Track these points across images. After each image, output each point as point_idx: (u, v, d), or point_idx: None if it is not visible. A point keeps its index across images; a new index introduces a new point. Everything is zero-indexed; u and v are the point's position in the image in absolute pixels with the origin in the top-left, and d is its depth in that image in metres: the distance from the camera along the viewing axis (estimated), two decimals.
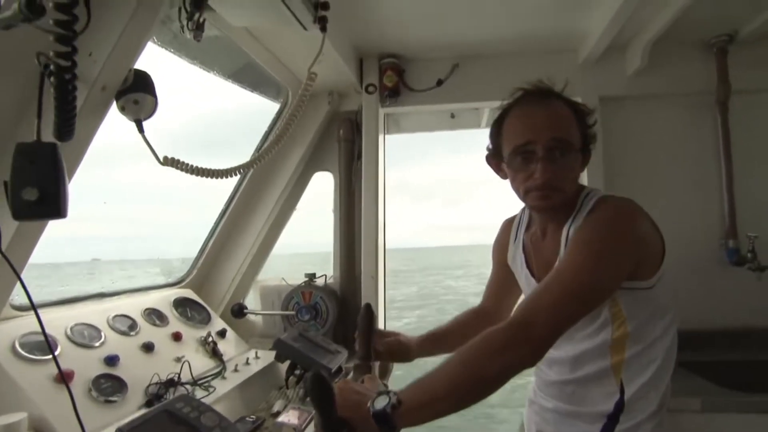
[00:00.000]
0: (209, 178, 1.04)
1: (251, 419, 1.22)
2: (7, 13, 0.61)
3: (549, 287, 0.87)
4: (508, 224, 1.29)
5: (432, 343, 1.26)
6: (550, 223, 1.10)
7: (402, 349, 1.21)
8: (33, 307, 0.73)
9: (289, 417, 1.21)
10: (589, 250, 0.90)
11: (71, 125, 0.75)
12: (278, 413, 1.28)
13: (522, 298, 1.26)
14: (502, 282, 1.31)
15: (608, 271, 0.90)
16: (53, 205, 0.74)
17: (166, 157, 0.97)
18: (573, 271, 0.88)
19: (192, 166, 1.00)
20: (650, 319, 1.00)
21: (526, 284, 1.18)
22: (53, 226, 0.97)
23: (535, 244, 1.16)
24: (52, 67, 0.72)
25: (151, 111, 0.99)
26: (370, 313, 1.18)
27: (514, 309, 0.90)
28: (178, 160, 0.98)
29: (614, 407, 1.00)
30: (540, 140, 0.96)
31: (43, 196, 0.73)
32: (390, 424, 0.78)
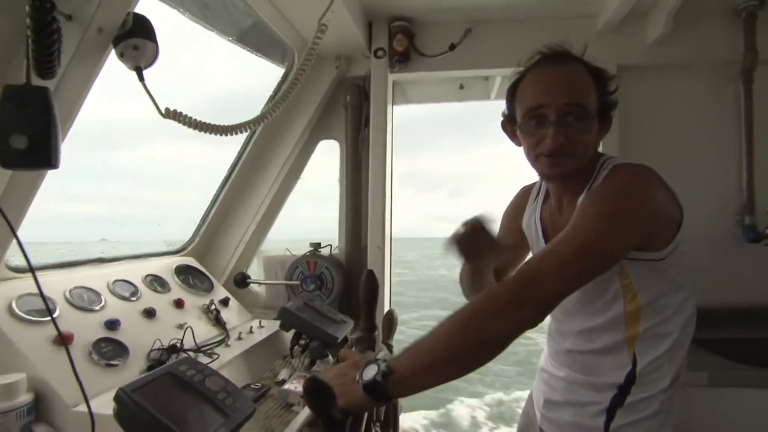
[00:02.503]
0: (211, 134, 0.99)
1: (256, 386, 1.19)
2: None
3: (557, 247, 0.83)
4: (527, 191, 1.24)
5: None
6: (566, 194, 1.06)
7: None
8: (30, 267, 0.69)
9: (295, 385, 1.18)
10: (599, 213, 0.86)
11: (50, 59, 0.68)
12: (283, 381, 1.26)
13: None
14: (513, 244, 1.25)
15: (617, 235, 0.85)
16: (44, 154, 0.69)
17: (167, 109, 0.92)
18: (582, 232, 0.84)
19: (194, 119, 0.95)
20: (665, 292, 0.96)
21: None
22: (62, 203, 0.92)
23: (552, 216, 1.12)
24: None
25: (152, 58, 0.93)
26: (372, 280, 1.11)
27: (519, 266, 0.85)
28: (180, 113, 0.92)
29: (625, 379, 0.97)
30: (553, 103, 0.92)
31: (32, 143, 0.67)
32: (383, 394, 0.73)
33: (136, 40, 0.90)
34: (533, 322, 0.77)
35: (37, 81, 0.74)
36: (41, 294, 0.79)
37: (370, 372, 0.74)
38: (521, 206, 1.23)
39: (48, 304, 0.85)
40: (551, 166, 0.96)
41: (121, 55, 0.92)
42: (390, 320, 1.26)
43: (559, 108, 0.92)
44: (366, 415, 0.82)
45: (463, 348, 0.74)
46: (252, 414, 0.85)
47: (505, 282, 0.79)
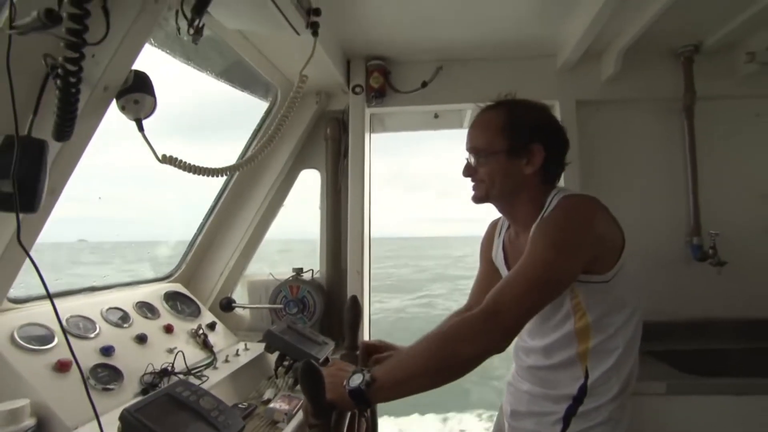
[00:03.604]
0: (205, 176, 1.09)
1: (243, 405, 1.27)
2: (26, 19, 0.65)
3: (513, 280, 0.96)
4: (494, 224, 1.38)
5: None
6: (519, 224, 1.20)
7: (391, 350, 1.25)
8: (49, 296, 0.78)
9: (280, 404, 1.27)
10: (547, 243, 0.98)
11: (71, 126, 0.79)
12: (269, 400, 1.34)
13: None
14: (487, 281, 1.38)
15: (566, 262, 0.97)
16: (27, 198, 0.78)
17: (164, 155, 1.02)
18: (533, 265, 0.96)
19: (189, 164, 1.05)
20: (610, 310, 1.08)
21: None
22: None
23: (512, 243, 1.25)
24: (59, 70, 0.76)
25: (151, 110, 1.03)
26: (356, 306, 1.23)
27: (486, 297, 0.96)
28: (176, 158, 1.02)
29: (578, 390, 1.09)
30: (466, 149, 1.17)
31: (19, 189, 0.76)
32: (365, 400, 0.86)
33: (137, 95, 1.01)
34: (498, 348, 0.90)
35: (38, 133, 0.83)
36: (59, 321, 0.87)
37: (356, 380, 0.87)
38: (490, 240, 1.37)
39: (64, 330, 0.93)
40: (472, 191, 1.17)
41: (122, 108, 1.02)
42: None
43: (468, 150, 1.17)
44: (349, 415, 0.92)
45: (435, 367, 0.87)
46: (242, 429, 0.95)
47: (474, 313, 0.92)
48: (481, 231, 1.44)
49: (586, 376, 1.08)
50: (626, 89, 2.00)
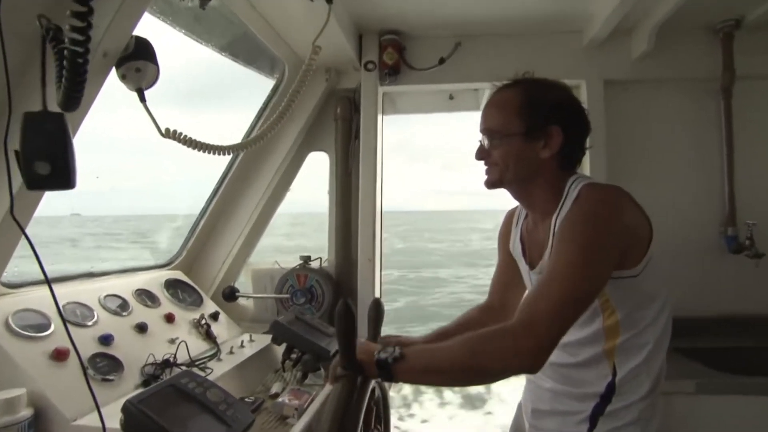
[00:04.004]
0: (208, 153, 1.06)
1: (250, 400, 1.25)
2: None
3: (546, 292, 0.93)
4: (511, 215, 1.35)
5: (438, 341, 1.29)
6: (537, 213, 1.17)
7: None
8: (47, 280, 0.76)
9: (290, 398, 1.25)
10: (576, 249, 0.95)
11: (79, 97, 0.76)
12: (276, 395, 1.32)
13: (526, 292, 1.30)
14: (507, 274, 1.36)
15: (598, 268, 0.95)
16: (64, 178, 0.76)
17: (167, 129, 0.99)
18: (565, 275, 0.93)
19: (193, 139, 1.02)
20: (639, 306, 1.06)
21: (525, 273, 1.24)
22: None
23: (529, 233, 1.23)
24: (65, 39, 0.73)
25: (153, 80, 1.00)
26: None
27: (518, 309, 0.95)
28: (180, 133, 0.99)
29: (606, 388, 1.06)
30: (480, 130, 1.15)
31: (54, 168, 0.75)
32: (388, 373, 0.92)
33: (139, 63, 0.97)
34: (529, 369, 0.89)
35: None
36: (57, 306, 0.85)
37: (387, 352, 0.93)
38: (507, 231, 1.34)
39: (63, 318, 0.91)
40: (485, 175, 1.15)
41: (123, 77, 0.99)
42: (377, 311, 1.21)
43: (481, 132, 1.14)
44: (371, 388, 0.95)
45: (461, 371, 0.91)
46: (252, 423, 0.93)
47: (506, 328, 0.91)
48: (502, 204, 1.42)
49: (614, 374, 1.06)
50: (659, 68, 1.94)
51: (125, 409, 0.79)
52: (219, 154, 1.07)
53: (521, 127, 1.08)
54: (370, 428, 1.05)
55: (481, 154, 1.14)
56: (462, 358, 0.90)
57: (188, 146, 1.00)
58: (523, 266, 1.25)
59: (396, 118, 2.54)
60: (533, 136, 1.08)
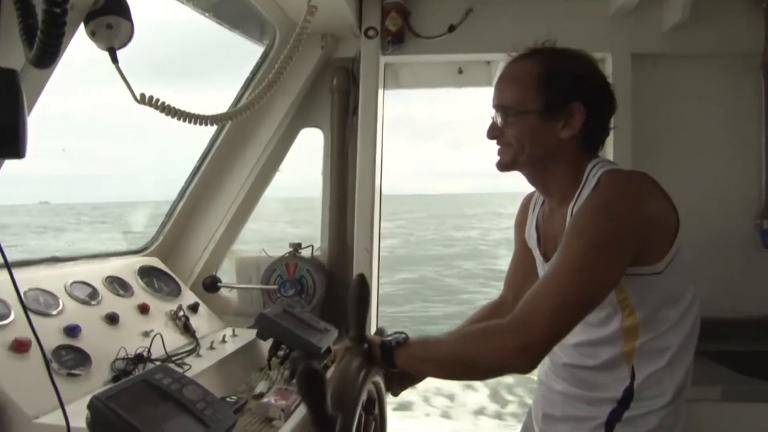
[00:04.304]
0: (188, 122, 1.04)
1: (232, 400, 1.24)
2: None
3: (546, 290, 0.95)
4: (528, 200, 1.34)
5: None
6: (554, 199, 1.17)
7: None
8: (7, 264, 0.74)
9: (276, 398, 1.24)
10: (586, 244, 0.95)
11: (56, 52, 0.72)
12: (261, 395, 1.31)
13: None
14: (523, 266, 1.36)
15: (608, 268, 0.95)
16: (11, 144, 0.73)
17: (143, 95, 0.97)
18: (569, 273, 0.94)
19: (171, 107, 1.00)
20: (663, 305, 1.05)
21: (539, 265, 1.24)
22: None
23: (545, 221, 1.22)
24: None
25: (127, 38, 0.97)
26: (363, 286, 1.16)
27: (518, 305, 0.97)
28: (157, 99, 0.97)
29: (623, 393, 1.06)
30: (492, 106, 1.14)
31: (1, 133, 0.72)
32: (390, 357, 1.03)
33: (111, 18, 0.94)
34: (519, 369, 0.95)
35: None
36: (18, 294, 0.83)
37: (392, 337, 1.06)
38: (523, 219, 1.33)
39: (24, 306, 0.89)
40: (497, 156, 1.15)
41: (92, 34, 0.96)
42: (361, 291, 1.18)
43: (493, 108, 1.14)
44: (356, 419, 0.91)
45: (454, 363, 1.03)
46: (234, 425, 0.92)
47: (500, 324, 0.97)
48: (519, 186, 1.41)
49: (633, 378, 1.06)
50: (693, 41, 1.91)
51: (92, 406, 0.78)
52: (201, 124, 1.05)
53: (538, 104, 1.06)
54: (369, 413, 1.07)
55: (494, 132, 1.13)
56: (456, 351, 1.01)
57: (166, 114, 0.98)
58: (537, 257, 1.24)
59: (398, 93, 2.52)
60: (552, 113, 1.06)
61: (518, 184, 1.26)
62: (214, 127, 1.90)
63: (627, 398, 1.06)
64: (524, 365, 0.93)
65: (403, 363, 1.03)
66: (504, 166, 1.14)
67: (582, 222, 0.99)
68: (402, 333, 1.07)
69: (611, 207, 0.97)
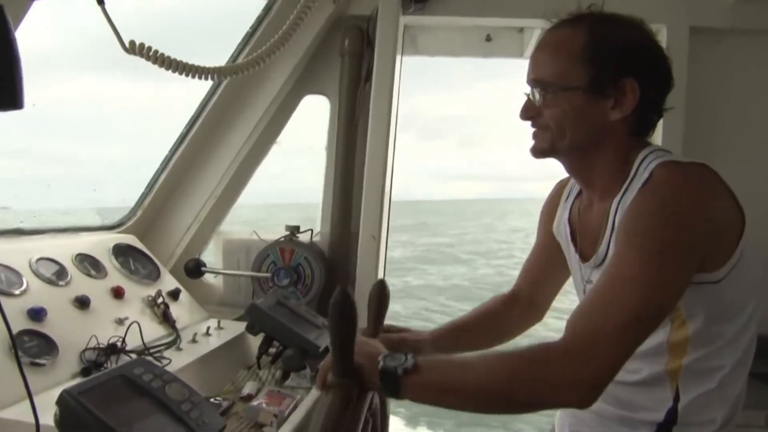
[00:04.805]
0: (185, 75, 1.02)
1: (217, 401, 1.24)
2: None
3: (606, 309, 0.90)
4: (561, 187, 1.33)
5: (451, 337, 1.29)
6: (595, 192, 1.14)
7: (411, 348, 1.14)
8: None
9: (267, 402, 1.23)
10: (647, 251, 0.91)
11: None
12: (250, 396, 1.30)
13: (579, 300, 1.26)
14: (545, 259, 1.35)
15: (674, 277, 0.92)
16: (7, 94, 0.71)
17: (132, 42, 0.94)
18: (630, 287, 0.90)
19: (164, 55, 0.98)
20: (717, 319, 1.02)
21: (574, 264, 1.22)
22: None
23: (582, 215, 1.19)
24: None
25: None
26: (383, 291, 1.13)
27: (569, 326, 0.91)
28: (149, 48, 0.95)
29: (665, 416, 1.04)
30: (528, 78, 1.09)
31: None
32: (395, 388, 0.86)
33: None
34: (578, 405, 0.89)
35: None
36: None
37: (396, 360, 0.87)
38: (554, 207, 1.31)
39: None
40: (532, 140, 1.11)
41: None
42: (381, 295, 1.17)
43: (529, 83, 1.08)
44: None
45: (490, 396, 0.89)
46: (222, 430, 0.90)
47: (558, 347, 0.88)
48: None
49: (676, 399, 1.04)
50: (764, 15, 1.88)
51: (62, 402, 0.76)
52: (199, 77, 1.03)
53: (584, 79, 1.02)
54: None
55: (529, 112, 1.09)
56: (493, 382, 0.87)
57: (159, 65, 0.96)
58: (571, 255, 1.22)
59: (415, 60, 2.48)
60: (600, 90, 1.02)
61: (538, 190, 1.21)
62: None
63: (669, 422, 1.04)
64: (588, 399, 0.86)
65: (415, 395, 0.88)
66: (540, 152, 1.10)
67: (639, 226, 0.95)
68: (397, 341, 0.99)
69: (671, 208, 0.94)
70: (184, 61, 0.98)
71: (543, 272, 1.37)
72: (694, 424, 1.04)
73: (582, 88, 1.02)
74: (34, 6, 0.96)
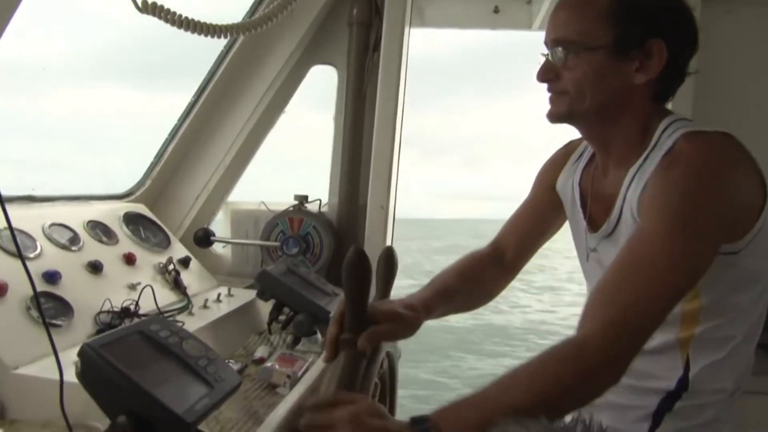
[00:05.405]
0: (198, 33, 1.02)
1: (230, 363, 1.25)
2: None
3: (633, 288, 0.88)
4: (570, 147, 1.29)
5: (441, 305, 1.19)
6: (611, 158, 1.11)
7: (407, 321, 1.06)
8: None
9: (279, 363, 1.24)
10: (672, 229, 0.90)
11: None
12: (262, 359, 1.32)
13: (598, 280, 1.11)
14: (536, 218, 1.32)
15: (701, 252, 0.91)
16: None
17: (145, 1, 0.93)
18: (658, 265, 0.88)
19: (177, 15, 0.99)
20: (732, 291, 1.01)
21: (580, 233, 1.20)
22: None
23: (596, 181, 1.16)
24: None
25: None
26: (391, 258, 1.12)
27: (592, 306, 0.90)
28: (161, 6, 0.94)
29: (676, 383, 1.04)
30: (547, 38, 1.05)
31: None
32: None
33: None
34: (614, 383, 0.86)
35: None
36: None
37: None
38: (558, 166, 1.27)
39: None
40: (549, 105, 1.07)
41: None
42: (390, 261, 1.16)
43: (548, 44, 1.04)
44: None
45: (539, 411, 0.77)
46: (238, 387, 0.91)
47: (594, 346, 0.84)
48: None
49: (687, 367, 1.04)
50: None
51: (83, 354, 0.77)
52: (212, 35, 1.02)
53: (609, 38, 0.97)
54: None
55: (547, 74, 1.04)
56: (536, 402, 0.80)
57: (171, 24, 0.96)
58: (578, 220, 1.20)
59: (424, 32, 2.45)
60: (625, 51, 0.98)
61: None
62: None
63: (680, 389, 1.05)
64: (621, 375, 0.86)
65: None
66: (557, 117, 1.06)
67: (667, 201, 0.93)
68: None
69: (697, 181, 0.92)
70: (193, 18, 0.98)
71: (531, 230, 1.33)
72: (705, 391, 1.04)
73: (606, 49, 0.98)
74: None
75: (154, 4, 0.92)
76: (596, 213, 1.14)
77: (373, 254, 1.84)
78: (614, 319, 0.86)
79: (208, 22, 1.01)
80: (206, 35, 1.01)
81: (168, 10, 0.94)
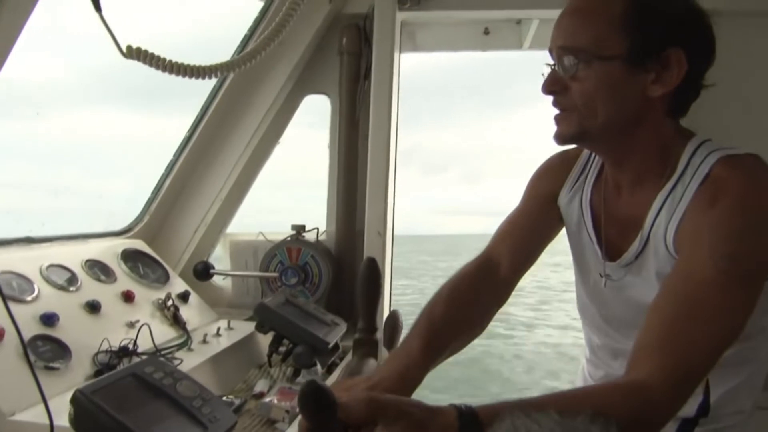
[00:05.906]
0: (183, 76, 1.03)
1: (229, 399, 1.24)
2: None
3: (692, 336, 0.84)
4: (573, 156, 1.20)
5: (436, 358, 1.04)
6: (625, 176, 1.05)
7: (408, 378, 0.96)
8: None
9: (278, 398, 1.24)
10: (731, 266, 0.85)
11: None
12: (262, 394, 1.32)
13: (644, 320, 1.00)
14: (532, 229, 1.22)
15: (758, 282, 0.88)
16: None
17: (129, 47, 0.95)
18: (720, 309, 0.84)
19: (162, 58, 0.99)
20: (762, 315, 0.95)
21: (585, 251, 1.14)
22: None
23: (610, 203, 1.09)
24: None
25: None
26: (374, 270, 1.16)
27: (647, 354, 0.84)
28: (146, 52, 0.95)
29: (697, 410, 1.01)
30: (553, 46, 0.97)
31: None
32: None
33: None
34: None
35: None
36: None
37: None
38: (558, 176, 1.20)
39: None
40: (555, 125, 0.99)
41: None
42: (393, 324, 1.22)
43: (555, 52, 0.96)
44: None
45: None
46: (234, 426, 0.91)
47: (653, 391, 0.79)
48: None
49: (706, 393, 1.01)
50: None
51: (76, 401, 0.78)
52: (197, 77, 1.04)
53: (623, 47, 0.90)
54: None
55: (553, 85, 0.96)
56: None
57: (156, 67, 0.97)
58: (585, 245, 1.13)
59: (415, 57, 2.47)
60: (640, 62, 0.91)
61: None
62: None
63: (700, 415, 1.02)
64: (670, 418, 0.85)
65: None
66: (568, 139, 1.00)
67: (713, 240, 0.87)
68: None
69: (746, 218, 0.87)
70: (180, 62, 0.99)
71: (527, 241, 1.22)
72: (724, 415, 1.02)
73: (620, 58, 0.91)
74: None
75: (139, 49, 0.94)
76: (612, 236, 1.08)
77: None
78: (677, 364, 0.82)
79: (193, 64, 1.02)
80: (193, 77, 1.02)
81: (152, 55, 0.96)
